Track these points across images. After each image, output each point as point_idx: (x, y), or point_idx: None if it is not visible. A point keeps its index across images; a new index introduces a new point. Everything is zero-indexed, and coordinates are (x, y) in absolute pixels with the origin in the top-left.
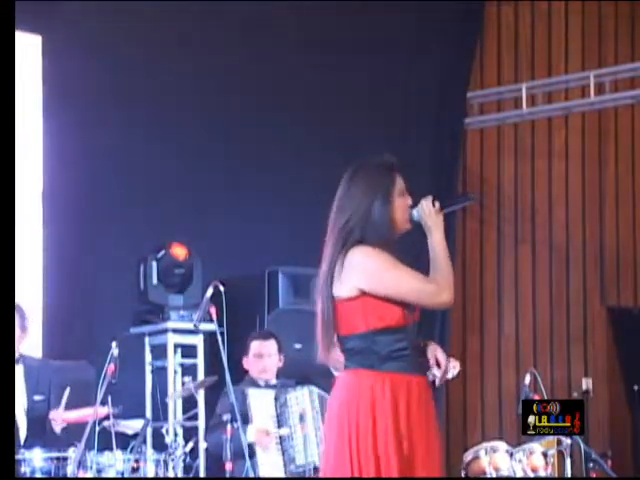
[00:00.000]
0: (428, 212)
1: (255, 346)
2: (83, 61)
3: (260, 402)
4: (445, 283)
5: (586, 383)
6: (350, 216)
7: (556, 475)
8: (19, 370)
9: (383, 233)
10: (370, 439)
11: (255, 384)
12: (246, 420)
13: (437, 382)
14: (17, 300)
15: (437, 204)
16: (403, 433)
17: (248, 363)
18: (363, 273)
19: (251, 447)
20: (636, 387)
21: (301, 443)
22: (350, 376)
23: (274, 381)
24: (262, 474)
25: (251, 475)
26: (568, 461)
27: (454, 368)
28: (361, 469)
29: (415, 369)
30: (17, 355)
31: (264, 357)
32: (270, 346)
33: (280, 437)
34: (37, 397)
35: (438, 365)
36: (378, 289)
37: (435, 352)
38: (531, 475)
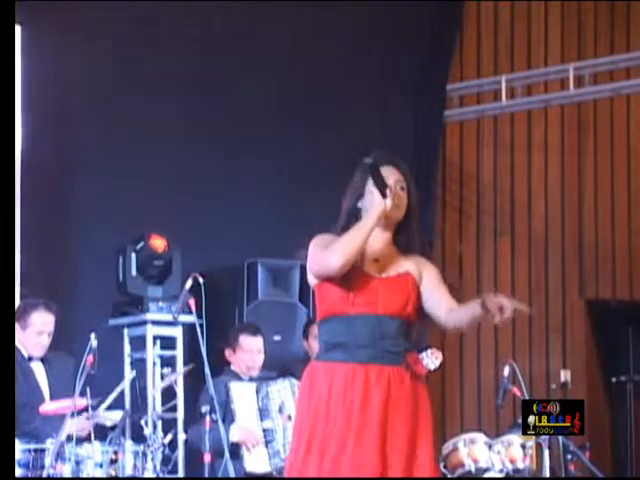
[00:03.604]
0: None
1: (245, 342)
2: (63, 53)
3: (243, 396)
4: (336, 248)
5: (564, 375)
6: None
7: (534, 467)
8: (41, 368)
9: (348, 224)
10: (307, 428)
11: (237, 377)
12: (229, 414)
13: (497, 321)
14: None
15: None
16: (332, 421)
17: (233, 357)
18: (308, 259)
19: (236, 445)
20: (614, 379)
21: (284, 436)
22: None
23: (256, 374)
24: (248, 468)
25: (230, 469)
26: (546, 453)
27: (437, 359)
28: (295, 457)
29: (369, 358)
30: (42, 355)
31: (254, 353)
32: (259, 342)
33: (264, 430)
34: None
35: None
36: (308, 268)
37: (497, 300)
38: (509, 467)
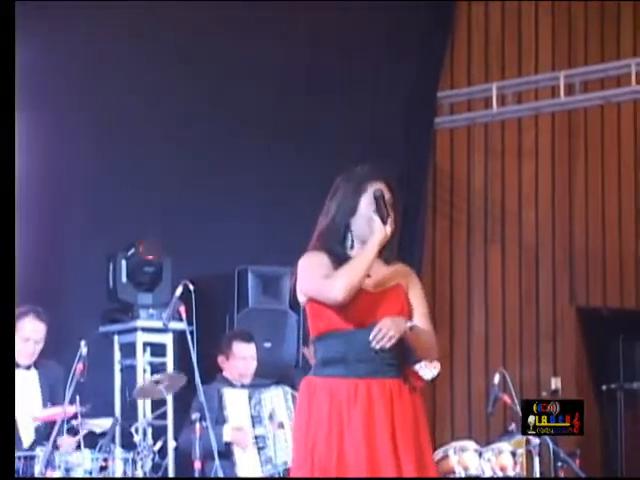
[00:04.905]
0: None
1: (238, 349)
2: (58, 55)
3: (236, 402)
4: (339, 280)
5: (555, 382)
6: (324, 224)
7: (524, 474)
8: (33, 376)
9: (338, 242)
10: (310, 443)
11: (229, 384)
12: (222, 420)
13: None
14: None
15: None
16: (335, 436)
17: (226, 364)
18: (299, 277)
19: (228, 447)
20: (604, 387)
21: (275, 443)
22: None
23: (248, 381)
24: (239, 473)
25: (220, 474)
26: (536, 460)
27: (434, 368)
28: (299, 471)
29: (370, 372)
30: (32, 362)
31: (247, 360)
32: (252, 349)
33: (256, 437)
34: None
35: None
36: (303, 291)
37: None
38: (500, 474)
